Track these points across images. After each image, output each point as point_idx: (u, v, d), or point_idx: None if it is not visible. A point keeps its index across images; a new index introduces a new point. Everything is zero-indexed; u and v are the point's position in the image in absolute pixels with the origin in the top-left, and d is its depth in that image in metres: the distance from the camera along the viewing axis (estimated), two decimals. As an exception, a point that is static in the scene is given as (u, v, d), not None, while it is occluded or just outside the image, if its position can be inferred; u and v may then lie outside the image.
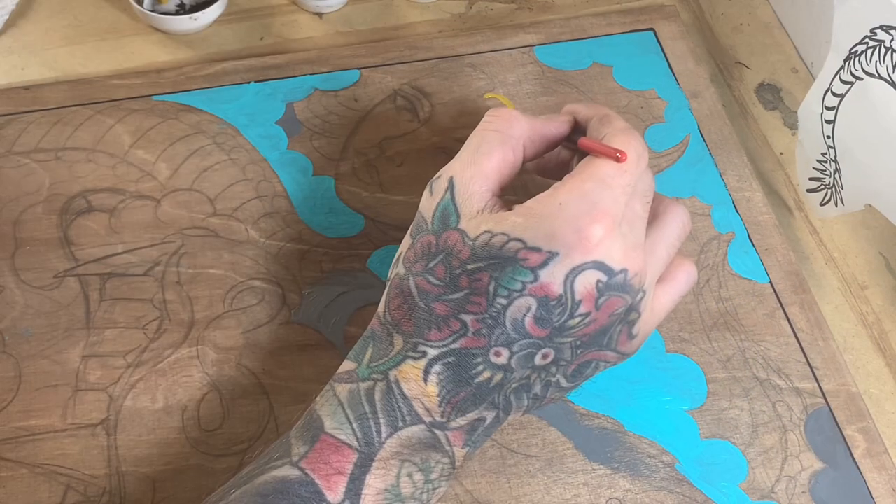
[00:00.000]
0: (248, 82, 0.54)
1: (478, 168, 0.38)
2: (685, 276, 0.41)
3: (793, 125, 0.57)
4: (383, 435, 0.35)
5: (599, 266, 0.36)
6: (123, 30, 0.58)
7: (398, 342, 0.37)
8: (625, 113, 0.54)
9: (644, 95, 0.55)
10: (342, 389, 0.37)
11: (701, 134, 0.54)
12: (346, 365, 0.38)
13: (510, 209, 0.37)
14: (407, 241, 0.40)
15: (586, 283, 0.36)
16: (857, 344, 0.49)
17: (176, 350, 0.45)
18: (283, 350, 0.45)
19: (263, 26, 0.59)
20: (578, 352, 0.37)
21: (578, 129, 0.42)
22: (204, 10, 0.57)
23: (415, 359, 0.36)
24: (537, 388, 0.38)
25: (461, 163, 0.39)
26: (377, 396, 0.36)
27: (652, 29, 0.58)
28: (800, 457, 0.43)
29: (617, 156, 0.36)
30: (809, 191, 0.52)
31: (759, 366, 0.46)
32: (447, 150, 0.52)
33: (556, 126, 0.42)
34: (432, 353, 0.36)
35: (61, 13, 0.59)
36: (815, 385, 0.45)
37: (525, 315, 0.36)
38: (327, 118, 0.53)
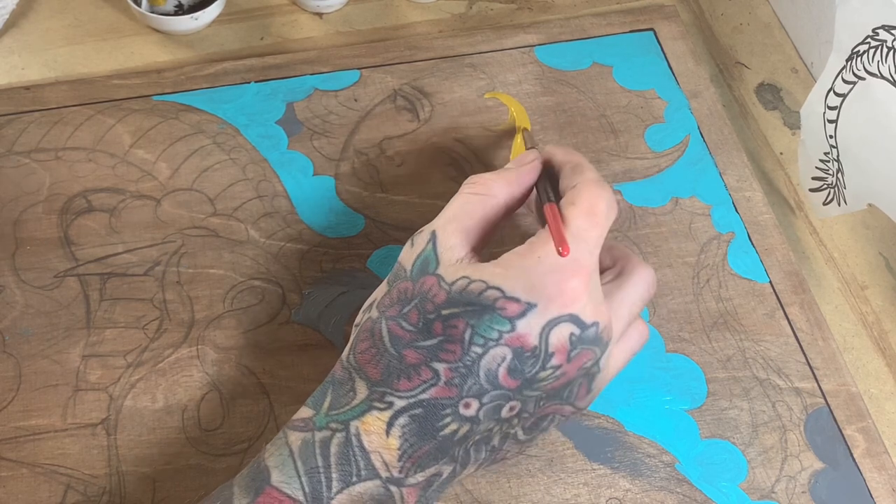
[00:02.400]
0: (249, 82, 0.54)
1: (459, 223, 0.39)
2: (638, 335, 0.41)
3: (793, 125, 0.57)
4: (333, 490, 0.34)
5: (574, 319, 0.36)
6: (123, 30, 0.58)
7: (361, 389, 0.36)
8: (625, 113, 0.54)
9: (644, 95, 0.55)
10: (295, 438, 0.35)
11: (701, 134, 0.54)
12: (303, 411, 0.37)
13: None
14: (383, 287, 0.39)
15: (561, 335, 0.36)
16: (857, 344, 0.49)
17: (176, 350, 0.45)
18: (283, 350, 0.45)
19: (263, 26, 0.59)
20: (542, 404, 0.37)
21: (552, 172, 0.42)
22: (204, 10, 0.57)
23: (380, 409, 0.35)
24: (496, 441, 0.37)
25: (444, 219, 0.39)
26: (333, 448, 0.35)
27: (652, 29, 0.58)
28: (800, 457, 0.43)
29: (559, 249, 0.36)
30: (812, 190, 0.52)
31: (758, 366, 0.46)
32: (447, 150, 0.52)
33: (530, 171, 0.42)
34: (399, 403, 0.35)
35: (61, 13, 0.59)
36: (815, 385, 0.45)
37: (499, 365, 0.35)
38: (327, 118, 0.53)
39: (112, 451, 0.42)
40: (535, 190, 0.42)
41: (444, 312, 0.36)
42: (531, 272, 0.36)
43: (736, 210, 0.51)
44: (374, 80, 0.55)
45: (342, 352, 0.45)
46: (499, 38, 0.57)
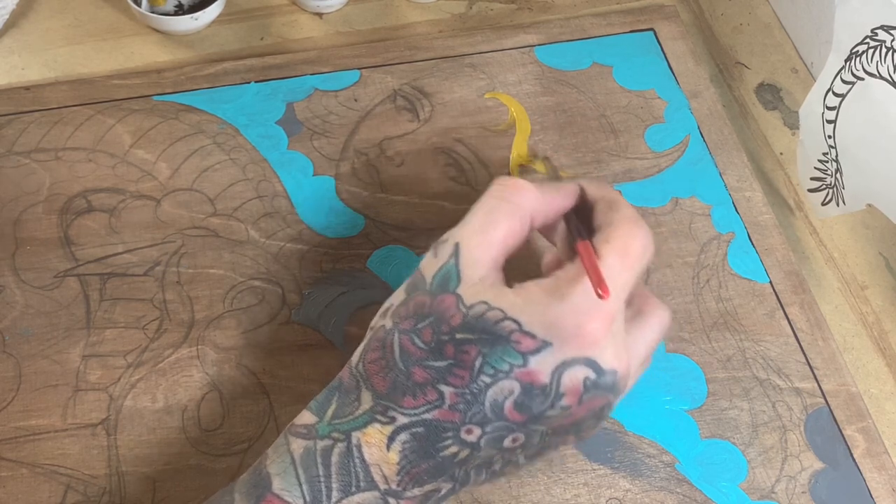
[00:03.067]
0: (249, 82, 0.54)
1: (485, 237, 0.37)
2: (644, 368, 0.40)
3: (792, 125, 0.57)
4: (333, 499, 0.34)
5: (591, 364, 0.35)
6: (123, 30, 0.58)
7: (366, 400, 0.36)
8: (625, 113, 0.54)
9: (644, 95, 0.55)
10: (297, 446, 0.35)
11: (701, 134, 0.54)
12: (306, 416, 0.36)
13: (510, 286, 0.36)
14: (400, 294, 0.38)
15: (574, 378, 0.35)
16: (857, 344, 0.49)
17: (176, 350, 0.45)
18: (283, 350, 0.45)
19: (263, 26, 0.59)
20: (546, 439, 0.36)
21: (585, 204, 0.40)
22: (204, 10, 0.57)
23: (382, 423, 0.35)
24: (497, 466, 0.37)
25: (468, 229, 0.38)
26: (334, 458, 0.35)
27: (652, 29, 0.58)
28: (800, 457, 0.43)
29: (598, 291, 0.34)
30: (811, 191, 0.52)
31: (758, 366, 0.46)
32: (447, 150, 0.52)
33: (564, 197, 0.40)
34: (402, 420, 0.35)
35: (61, 13, 0.59)
36: (815, 385, 0.45)
37: (506, 398, 0.35)
38: (327, 118, 0.53)
39: (112, 452, 0.42)
40: (563, 221, 0.40)
41: (458, 336, 0.35)
42: (552, 309, 0.35)
43: (736, 210, 0.51)
44: (374, 80, 0.55)
45: (341, 351, 0.45)
46: (499, 38, 0.57)
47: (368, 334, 0.38)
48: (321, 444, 0.35)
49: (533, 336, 0.35)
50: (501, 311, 0.35)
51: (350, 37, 0.59)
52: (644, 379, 0.45)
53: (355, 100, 0.54)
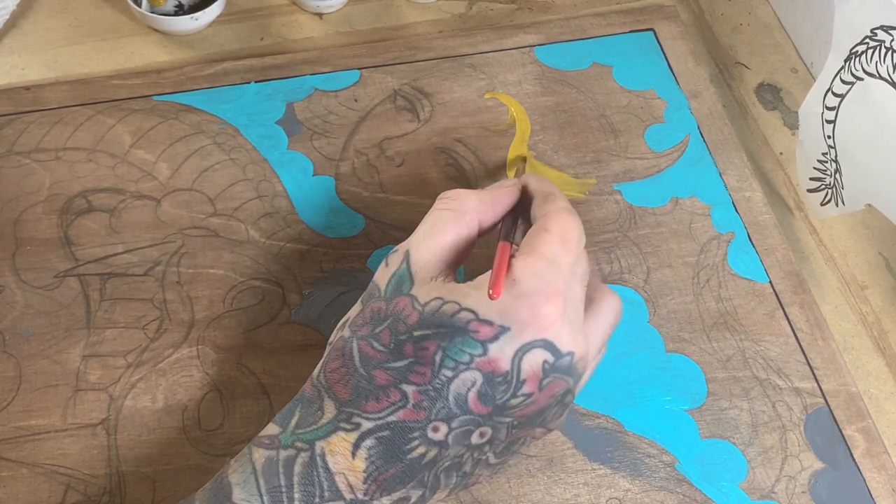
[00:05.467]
0: (249, 82, 0.54)
1: (433, 241, 0.38)
2: (601, 356, 0.41)
3: (792, 125, 0.57)
4: None
5: (548, 346, 0.35)
6: (123, 30, 0.58)
7: (329, 409, 0.35)
8: (625, 113, 0.54)
9: (644, 95, 0.55)
10: (259, 456, 0.35)
11: (701, 134, 0.54)
12: (270, 428, 0.36)
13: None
14: (357, 307, 0.39)
15: (533, 362, 0.35)
16: (856, 344, 0.49)
17: (176, 350, 0.45)
18: (283, 350, 0.45)
19: (263, 26, 0.59)
20: (513, 431, 0.37)
21: (526, 199, 0.42)
22: (204, 10, 0.57)
23: (346, 430, 0.35)
24: (467, 467, 0.37)
25: (416, 238, 0.39)
26: (297, 468, 0.34)
27: (652, 29, 0.58)
28: (799, 457, 0.43)
29: (489, 292, 0.35)
30: (810, 191, 0.52)
31: (758, 366, 0.46)
32: (447, 150, 0.52)
33: (506, 195, 0.42)
34: (366, 425, 0.35)
35: (61, 13, 0.59)
36: (815, 385, 0.46)
37: (469, 390, 0.35)
38: (327, 118, 0.53)
39: (112, 451, 0.42)
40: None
41: (416, 334, 0.35)
42: (506, 295, 0.35)
43: (736, 210, 0.51)
44: (374, 81, 0.55)
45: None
46: (499, 38, 0.57)
47: (328, 348, 0.38)
48: (284, 453, 0.35)
49: (490, 323, 0.35)
50: (457, 303, 0.36)
51: (350, 37, 0.59)
52: (644, 379, 0.45)
53: (355, 100, 0.54)
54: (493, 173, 0.52)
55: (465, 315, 0.35)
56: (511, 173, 0.52)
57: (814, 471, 0.43)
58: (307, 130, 0.53)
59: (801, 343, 0.47)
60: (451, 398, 0.35)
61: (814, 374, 0.46)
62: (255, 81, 0.54)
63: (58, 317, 0.46)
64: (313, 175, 0.51)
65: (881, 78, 0.43)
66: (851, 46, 0.45)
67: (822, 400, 0.45)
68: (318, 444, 0.35)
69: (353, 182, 0.51)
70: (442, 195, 0.41)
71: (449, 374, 0.35)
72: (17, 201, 0.50)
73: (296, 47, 0.58)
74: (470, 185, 0.51)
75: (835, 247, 0.52)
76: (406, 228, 0.49)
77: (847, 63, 0.46)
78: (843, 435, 0.44)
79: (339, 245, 0.49)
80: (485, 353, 0.35)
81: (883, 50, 0.43)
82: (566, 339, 0.36)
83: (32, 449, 0.42)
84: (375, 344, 0.36)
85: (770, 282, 0.49)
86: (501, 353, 0.35)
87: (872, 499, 0.43)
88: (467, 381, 0.35)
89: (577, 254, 0.38)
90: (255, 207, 0.50)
